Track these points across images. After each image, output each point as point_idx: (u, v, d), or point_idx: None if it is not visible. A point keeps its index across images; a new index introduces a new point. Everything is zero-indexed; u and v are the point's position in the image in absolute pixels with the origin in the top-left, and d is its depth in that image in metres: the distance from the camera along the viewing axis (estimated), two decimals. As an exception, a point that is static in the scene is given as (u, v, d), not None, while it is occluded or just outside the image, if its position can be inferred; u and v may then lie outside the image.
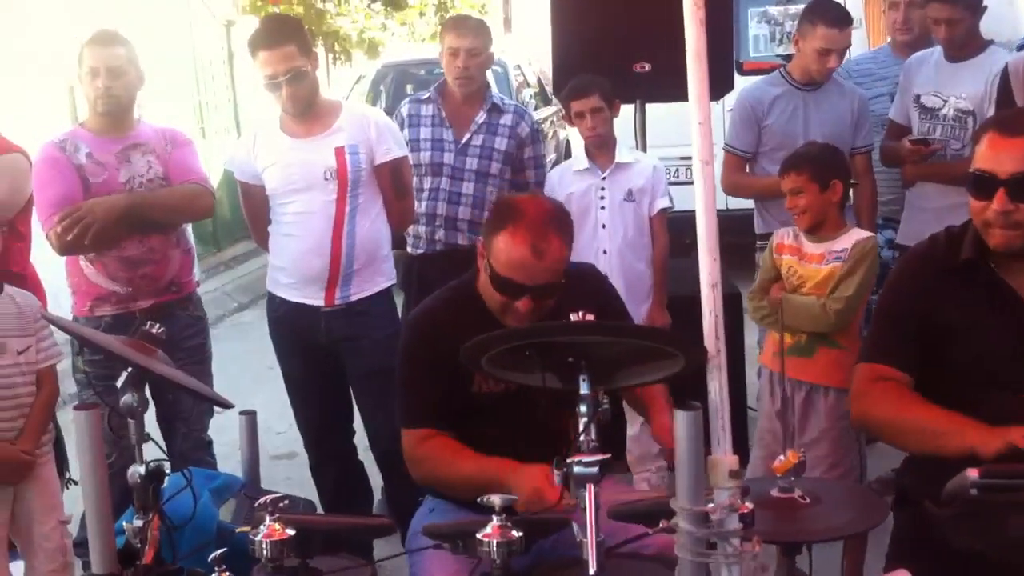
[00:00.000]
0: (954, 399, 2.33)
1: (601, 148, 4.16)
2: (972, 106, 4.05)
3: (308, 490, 4.12)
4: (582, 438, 1.87)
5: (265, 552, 2.02)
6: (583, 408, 1.88)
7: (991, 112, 3.99)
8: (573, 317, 1.98)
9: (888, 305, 2.58)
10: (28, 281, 3.93)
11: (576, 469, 1.85)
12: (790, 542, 2.26)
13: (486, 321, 2.54)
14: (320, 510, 3.78)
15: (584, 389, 1.88)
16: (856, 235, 3.47)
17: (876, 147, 4.38)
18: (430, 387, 2.61)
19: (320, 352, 3.91)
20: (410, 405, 2.69)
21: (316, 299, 3.82)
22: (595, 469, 1.85)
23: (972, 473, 2.11)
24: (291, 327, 3.91)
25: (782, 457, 2.34)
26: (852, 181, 4.02)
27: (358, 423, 4.13)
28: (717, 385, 1.85)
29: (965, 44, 4.10)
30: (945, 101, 4.12)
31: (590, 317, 1.98)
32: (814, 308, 3.37)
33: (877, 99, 4.56)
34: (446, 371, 2.46)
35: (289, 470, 5.05)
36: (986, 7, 4.18)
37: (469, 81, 4.29)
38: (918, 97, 4.20)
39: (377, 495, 4.32)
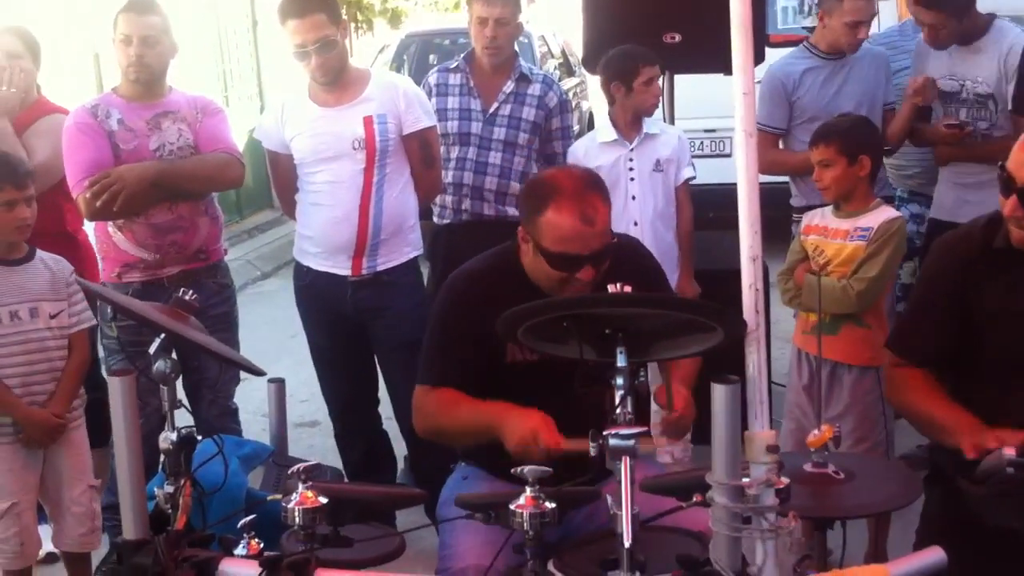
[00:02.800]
0: (987, 385, 2.33)
1: (636, 119, 4.14)
2: (990, 89, 4.00)
3: (332, 458, 4.15)
4: (618, 411, 1.86)
5: (297, 519, 2.02)
6: (619, 380, 1.87)
7: (1010, 90, 3.94)
8: (611, 289, 1.96)
9: (921, 294, 2.61)
10: (80, 244, 3.94)
11: (612, 442, 1.84)
12: (825, 518, 2.25)
13: (527, 291, 2.53)
14: (344, 477, 3.80)
15: (621, 362, 1.86)
16: (883, 214, 3.42)
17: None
18: (458, 351, 2.61)
19: (346, 321, 3.91)
20: (433, 365, 2.69)
21: (343, 268, 3.81)
22: (632, 442, 1.83)
23: (1008, 451, 2.11)
24: (318, 296, 3.92)
25: (816, 432, 2.33)
26: (886, 148, 3.99)
27: (382, 392, 4.14)
28: (756, 359, 1.84)
29: (964, 35, 4.04)
30: (962, 85, 4.08)
31: (628, 289, 1.96)
32: (836, 290, 3.34)
33: (903, 72, 4.50)
34: (480, 337, 2.45)
35: (312, 438, 5.08)
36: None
37: (498, 51, 4.26)
38: (934, 82, 4.16)
39: (400, 464, 4.33)
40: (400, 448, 4.23)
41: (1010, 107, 3.96)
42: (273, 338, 6.17)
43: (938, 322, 2.47)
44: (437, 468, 3.38)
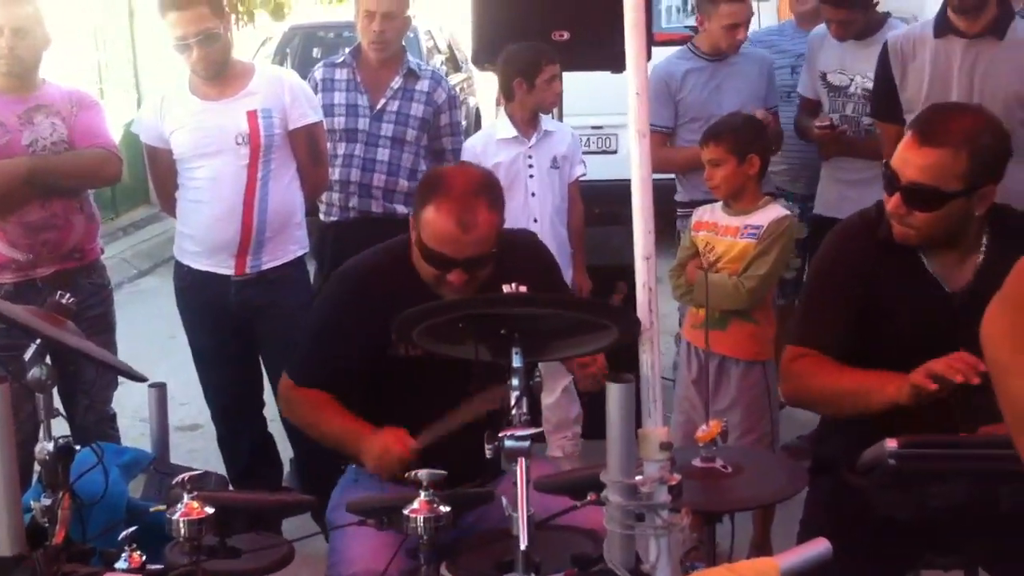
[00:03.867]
0: (878, 367, 2.37)
1: (534, 116, 4.15)
2: None
3: (215, 463, 4.06)
4: (514, 412, 1.84)
5: (182, 531, 1.96)
6: (515, 381, 1.85)
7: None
8: (506, 289, 1.95)
9: (818, 284, 2.61)
10: None
11: (508, 443, 1.83)
12: (715, 511, 2.28)
13: (417, 287, 2.51)
14: (228, 483, 3.71)
15: (517, 362, 1.85)
16: (773, 212, 3.50)
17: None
18: (337, 348, 2.57)
19: (230, 322, 3.82)
20: (305, 362, 2.68)
21: (226, 268, 3.73)
22: (527, 443, 1.83)
23: (890, 443, 2.15)
24: (200, 297, 3.82)
25: (705, 427, 2.36)
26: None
27: (267, 394, 4.05)
28: (649, 358, 1.84)
29: (859, 33, 4.17)
30: (851, 79, 4.20)
31: (523, 289, 1.95)
32: (727, 286, 3.40)
33: (779, 70, 4.61)
34: (366, 332, 2.43)
35: (194, 442, 4.95)
36: None
37: (385, 46, 4.20)
38: (824, 75, 4.27)
39: (286, 467, 4.25)
40: (285, 450, 4.15)
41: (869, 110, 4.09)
42: (151, 339, 5.99)
43: (840, 310, 2.49)
44: (325, 470, 3.33)
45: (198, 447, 4.82)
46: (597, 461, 2.47)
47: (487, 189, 2.52)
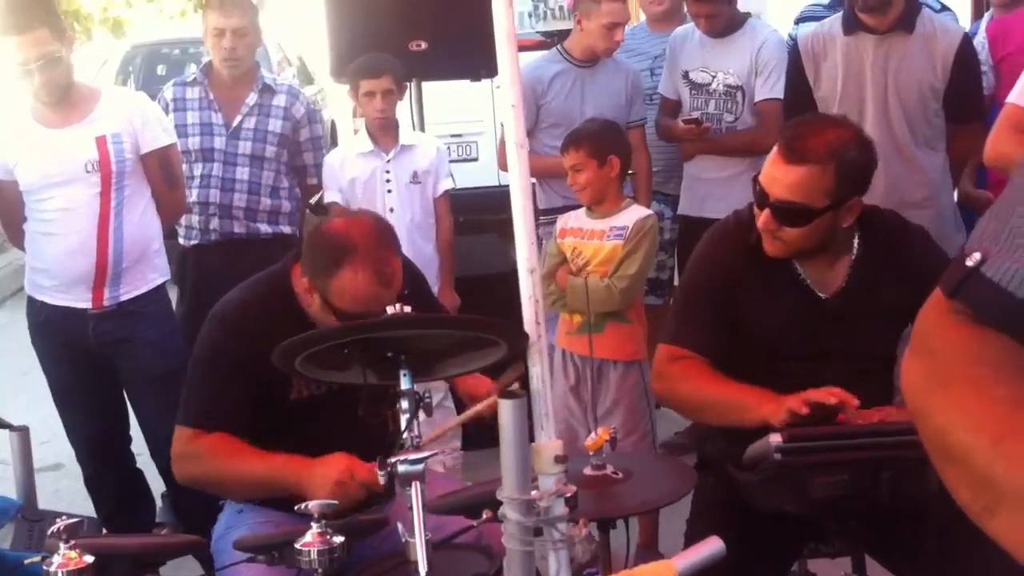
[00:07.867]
0: (750, 368, 2.41)
1: (385, 130, 4.07)
2: (740, 81, 4.19)
3: (81, 503, 3.90)
4: (405, 435, 1.81)
5: (62, 584, 1.86)
6: (404, 404, 1.81)
7: (758, 83, 4.15)
8: (390, 310, 1.90)
9: (692, 284, 2.62)
10: None
11: (401, 468, 1.79)
12: (611, 518, 2.28)
13: (303, 320, 2.42)
14: (101, 527, 3.55)
15: (405, 384, 1.81)
16: (636, 213, 3.53)
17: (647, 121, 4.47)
18: (230, 390, 2.44)
19: (90, 357, 3.65)
20: (200, 406, 2.48)
21: (83, 301, 3.57)
22: (421, 467, 1.79)
23: (775, 438, 2.19)
24: (56, 333, 3.64)
25: (594, 435, 2.36)
26: None
27: (134, 429, 3.90)
28: (539, 370, 1.82)
29: (722, 31, 4.26)
30: (713, 76, 4.24)
31: (408, 309, 1.91)
32: (600, 289, 3.42)
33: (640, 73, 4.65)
34: (258, 373, 2.30)
35: (58, 483, 4.73)
36: None
37: (237, 63, 4.10)
38: (687, 73, 4.31)
39: (159, 502, 4.10)
40: (156, 485, 4.00)
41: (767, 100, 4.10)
42: (3, 376, 5.72)
43: (713, 311, 2.49)
44: (201, 503, 3.21)
45: (63, 487, 4.61)
46: (478, 473, 2.47)
47: (387, 234, 2.45)
